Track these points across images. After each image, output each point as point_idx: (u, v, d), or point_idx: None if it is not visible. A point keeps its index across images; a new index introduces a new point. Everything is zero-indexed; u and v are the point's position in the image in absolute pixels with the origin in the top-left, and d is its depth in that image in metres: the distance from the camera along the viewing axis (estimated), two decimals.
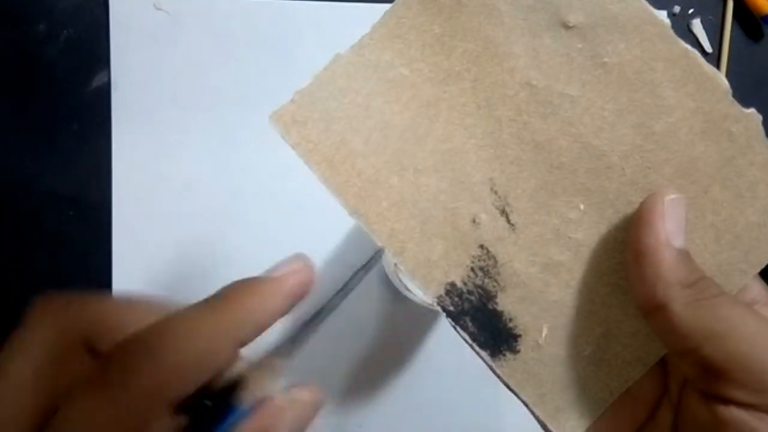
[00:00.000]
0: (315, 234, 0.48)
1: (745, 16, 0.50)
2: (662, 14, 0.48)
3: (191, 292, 0.47)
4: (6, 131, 0.47)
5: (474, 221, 0.26)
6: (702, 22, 0.49)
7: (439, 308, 0.26)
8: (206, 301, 0.19)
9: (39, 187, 0.47)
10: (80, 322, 0.19)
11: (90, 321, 0.19)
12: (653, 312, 0.24)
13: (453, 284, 0.26)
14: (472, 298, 0.26)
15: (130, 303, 0.20)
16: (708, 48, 0.49)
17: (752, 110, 0.25)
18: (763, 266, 0.26)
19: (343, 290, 0.26)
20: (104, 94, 0.47)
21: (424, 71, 0.25)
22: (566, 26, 0.25)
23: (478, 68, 0.25)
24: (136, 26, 0.47)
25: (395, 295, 0.49)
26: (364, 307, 0.49)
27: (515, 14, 0.25)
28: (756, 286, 0.26)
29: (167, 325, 0.18)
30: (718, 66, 0.49)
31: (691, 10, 0.50)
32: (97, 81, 0.47)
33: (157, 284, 0.48)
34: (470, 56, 0.25)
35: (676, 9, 0.49)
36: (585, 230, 0.26)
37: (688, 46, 0.25)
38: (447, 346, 0.49)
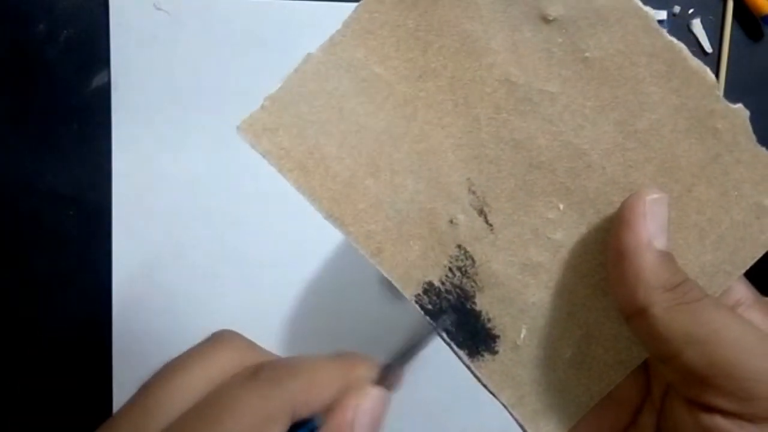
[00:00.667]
0: (315, 234, 0.48)
1: (745, 16, 0.49)
2: (662, 14, 0.49)
3: (191, 292, 0.48)
4: (6, 131, 0.47)
5: (451, 222, 0.25)
6: (702, 22, 0.49)
7: (417, 306, 0.26)
8: (332, 356, 0.24)
9: (39, 187, 0.47)
10: (250, 358, 0.23)
11: (255, 358, 0.23)
12: (634, 316, 0.23)
13: (431, 283, 0.26)
14: (450, 297, 0.26)
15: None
16: (708, 48, 0.49)
17: (739, 105, 0.24)
18: (748, 267, 0.25)
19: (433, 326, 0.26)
20: (104, 94, 0.47)
21: (399, 69, 0.24)
22: (546, 19, 0.24)
23: (455, 64, 0.24)
24: (136, 26, 0.47)
25: (395, 296, 0.49)
26: (364, 307, 0.49)
27: (494, 7, 0.24)
28: (740, 288, 0.25)
29: (306, 358, 0.23)
30: (718, 66, 0.49)
31: (691, 10, 0.49)
32: (97, 81, 0.47)
33: (157, 284, 0.48)
34: (447, 52, 0.24)
35: (676, 9, 0.49)
36: (564, 231, 0.25)
37: (673, 39, 0.24)
38: (447, 345, 0.49)
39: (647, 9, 0.24)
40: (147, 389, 0.22)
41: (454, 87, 0.25)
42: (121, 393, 0.46)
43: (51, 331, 0.47)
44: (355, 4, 0.48)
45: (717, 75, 0.48)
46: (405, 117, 0.25)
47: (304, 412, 0.21)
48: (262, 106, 0.24)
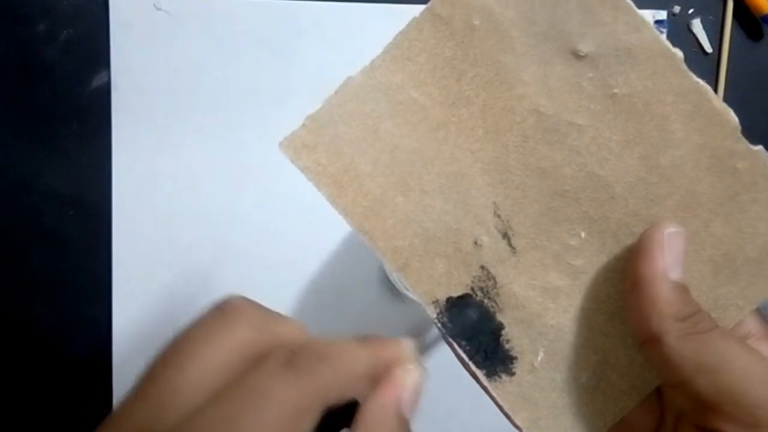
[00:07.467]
0: (315, 234, 0.48)
1: (745, 16, 0.50)
2: (662, 14, 0.49)
3: (191, 292, 0.48)
4: (6, 131, 0.47)
5: (476, 243, 0.26)
6: (702, 22, 0.49)
7: (438, 324, 0.26)
8: (360, 340, 0.23)
9: (39, 186, 0.47)
10: (268, 334, 0.22)
11: (274, 334, 0.22)
12: (648, 343, 0.24)
13: (453, 301, 0.26)
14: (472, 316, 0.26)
15: (303, 329, 0.24)
16: (708, 48, 0.49)
17: (760, 147, 0.25)
18: (759, 303, 0.26)
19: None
20: (104, 94, 0.47)
21: (434, 94, 0.25)
22: (577, 55, 0.25)
23: (488, 93, 0.25)
24: (136, 26, 0.47)
25: (395, 295, 0.49)
26: (364, 307, 0.49)
27: (527, 41, 0.25)
28: (751, 320, 0.26)
29: (339, 344, 0.22)
30: (718, 66, 0.49)
31: (691, 10, 0.49)
32: (97, 81, 0.47)
33: (157, 284, 0.48)
34: (480, 81, 0.25)
35: (676, 9, 0.49)
36: (585, 258, 0.26)
37: (700, 81, 0.25)
38: (446, 345, 0.49)
39: (676, 50, 0.25)
40: (155, 377, 0.20)
41: (486, 114, 0.26)
42: (122, 393, 0.46)
43: (50, 331, 0.47)
44: (352, 5, 0.48)
45: (717, 75, 0.48)
46: (437, 140, 0.26)
47: (335, 400, 0.21)
48: (303, 125, 0.25)
